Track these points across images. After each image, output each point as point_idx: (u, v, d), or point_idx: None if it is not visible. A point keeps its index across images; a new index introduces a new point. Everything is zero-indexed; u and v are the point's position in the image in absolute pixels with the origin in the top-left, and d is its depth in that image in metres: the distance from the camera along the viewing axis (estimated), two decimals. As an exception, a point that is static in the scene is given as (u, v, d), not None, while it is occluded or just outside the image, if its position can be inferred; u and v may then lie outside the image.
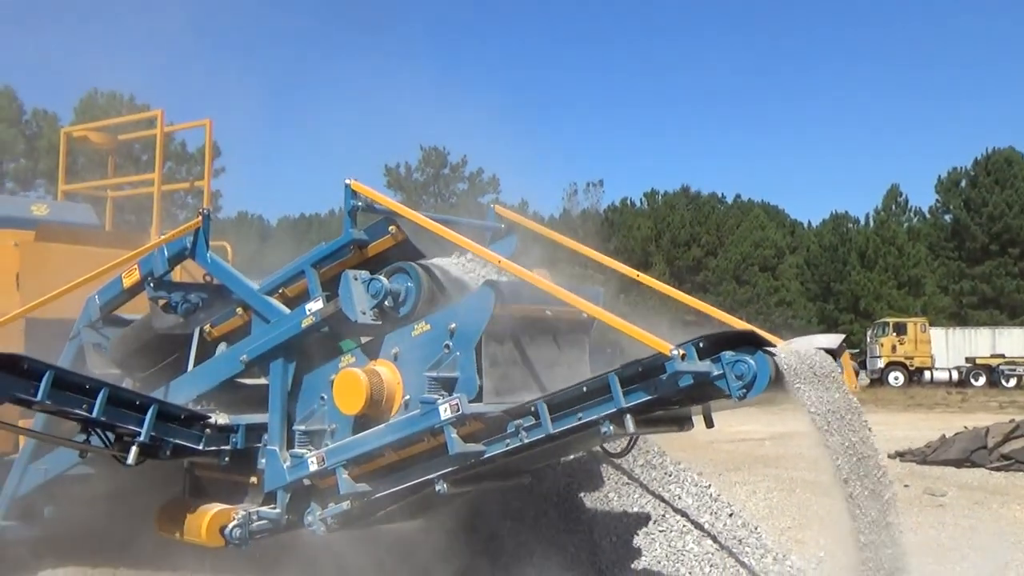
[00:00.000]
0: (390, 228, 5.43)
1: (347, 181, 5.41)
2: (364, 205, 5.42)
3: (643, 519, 6.86)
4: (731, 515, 7.11)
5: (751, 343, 4.30)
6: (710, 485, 7.39)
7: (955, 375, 46.44)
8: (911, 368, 47.04)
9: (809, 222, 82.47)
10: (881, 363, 47.38)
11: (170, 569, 7.33)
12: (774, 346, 4.36)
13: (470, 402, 4.82)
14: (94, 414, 5.07)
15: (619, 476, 7.15)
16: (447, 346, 4.98)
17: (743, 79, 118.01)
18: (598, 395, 4.57)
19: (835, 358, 4.72)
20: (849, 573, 4.29)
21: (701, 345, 4.31)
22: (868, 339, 51.05)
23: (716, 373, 4.25)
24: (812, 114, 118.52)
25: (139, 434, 5.23)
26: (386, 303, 5.20)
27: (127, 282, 6.34)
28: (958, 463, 14.81)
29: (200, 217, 6.03)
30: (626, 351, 4.99)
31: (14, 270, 7.18)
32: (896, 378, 46.54)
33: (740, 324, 5.31)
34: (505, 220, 6.24)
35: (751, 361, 4.19)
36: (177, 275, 6.76)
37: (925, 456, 15.45)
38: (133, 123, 11.08)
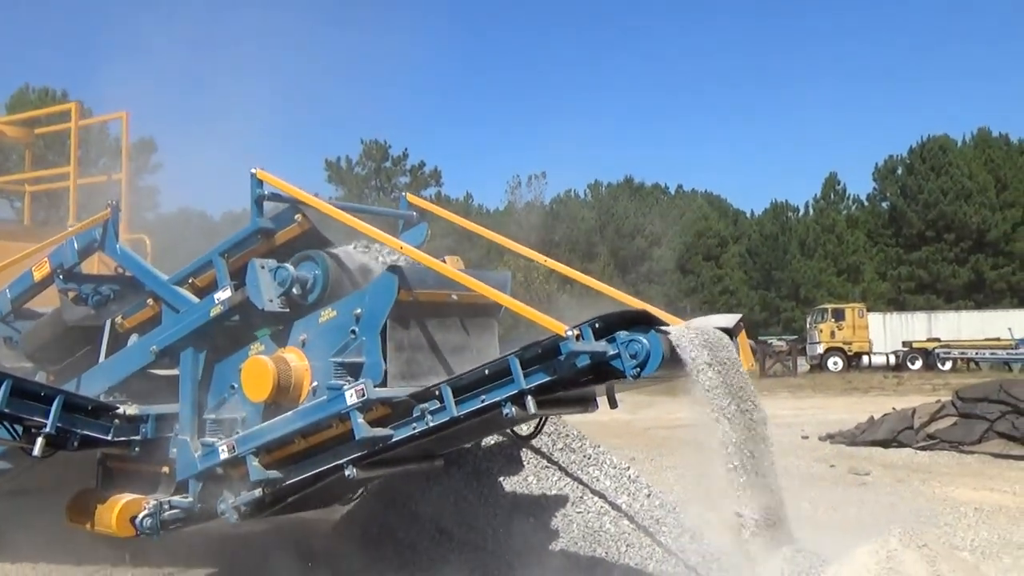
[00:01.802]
0: (296, 217, 5.46)
1: (252, 170, 5.42)
2: (270, 194, 5.44)
3: (561, 501, 6.95)
4: (648, 496, 7.22)
5: (645, 323, 4.39)
6: (628, 467, 7.50)
7: (893, 359, 47.16)
8: (850, 353, 47.71)
9: (752, 211, 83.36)
10: (820, 349, 48.00)
11: (91, 563, 7.31)
12: (667, 325, 4.45)
13: (376, 387, 4.87)
14: None
15: (538, 460, 7.24)
16: (353, 332, 5.02)
17: (684, 68, 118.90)
18: (500, 377, 4.63)
19: (732, 337, 4.83)
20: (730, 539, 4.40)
21: (597, 326, 4.39)
22: (808, 325, 51.73)
23: (611, 353, 4.33)
24: (753, 103, 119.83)
25: (45, 425, 5.20)
26: (293, 291, 5.22)
27: (37, 275, 6.31)
28: (885, 444, 15.12)
29: (108, 209, 6.01)
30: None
31: (-75, 265, 7.08)
32: (835, 363, 47.19)
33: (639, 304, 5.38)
34: (417, 208, 6.28)
35: (644, 340, 4.28)
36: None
37: (854, 438, 15.74)
38: (50, 116, 10.90)
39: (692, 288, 74.10)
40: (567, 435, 7.45)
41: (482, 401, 4.69)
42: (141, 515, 5.56)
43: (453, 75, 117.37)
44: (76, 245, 6.11)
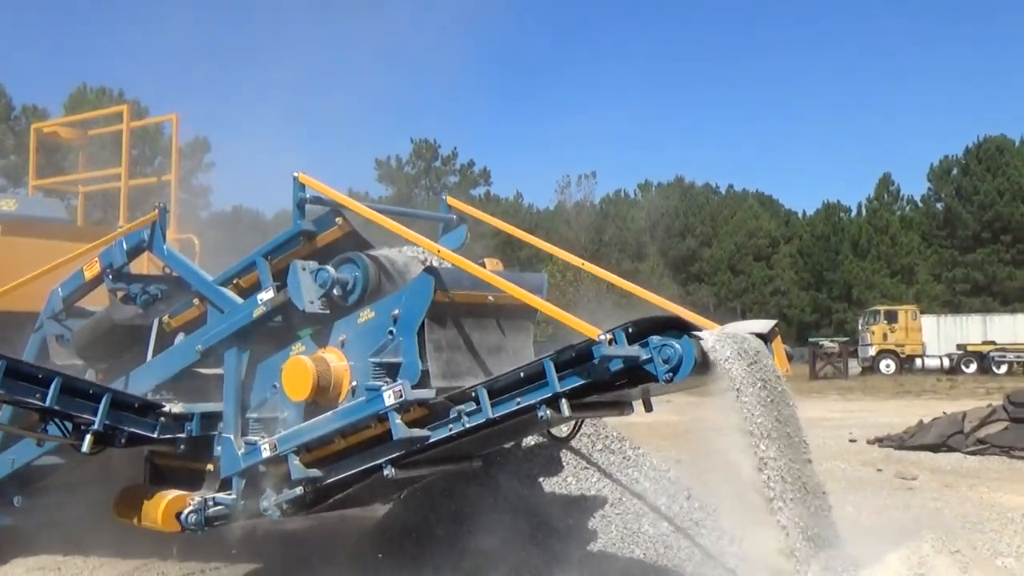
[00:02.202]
0: (337, 220, 5.57)
1: (295, 174, 5.53)
2: (311, 197, 5.54)
3: (600, 502, 6.99)
4: (688, 498, 7.24)
5: (678, 328, 4.42)
6: (669, 469, 7.52)
7: (946, 362, 46.53)
8: (902, 356, 47.17)
9: (804, 211, 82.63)
10: (872, 351, 47.49)
11: (139, 556, 7.47)
12: (700, 331, 4.48)
13: (414, 387, 4.95)
14: (47, 403, 5.19)
15: (578, 461, 7.29)
16: (391, 332, 5.11)
17: (737, 68, 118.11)
18: (535, 380, 4.69)
19: (767, 342, 4.85)
20: (768, 545, 4.41)
21: (630, 330, 4.43)
22: (860, 327, 51.19)
23: (644, 357, 4.37)
24: (805, 103, 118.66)
25: (93, 423, 5.34)
26: (334, 292, 5.32)
27: (88, 274, 6.47)
28: (935, 448, 14.95)
29: (156, 210, 6.15)
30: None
31: (-19, 264, 7.29)
32: (887, 366, 46.67)
33: (678, 310, 5.41)
34: (457, 211, 6.35)
35: (677, 345, 4.31)
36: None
37: (903, 442, 15.59)
38: (103, 118, 11.14)
39: (742, 289, 73.70)
40: (607, 436, 7.49)
41: (517, 403, 4.75)
42: (186, 511, 5.69)
43: (503, 74, 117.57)
44: (125, 246, 6.27)
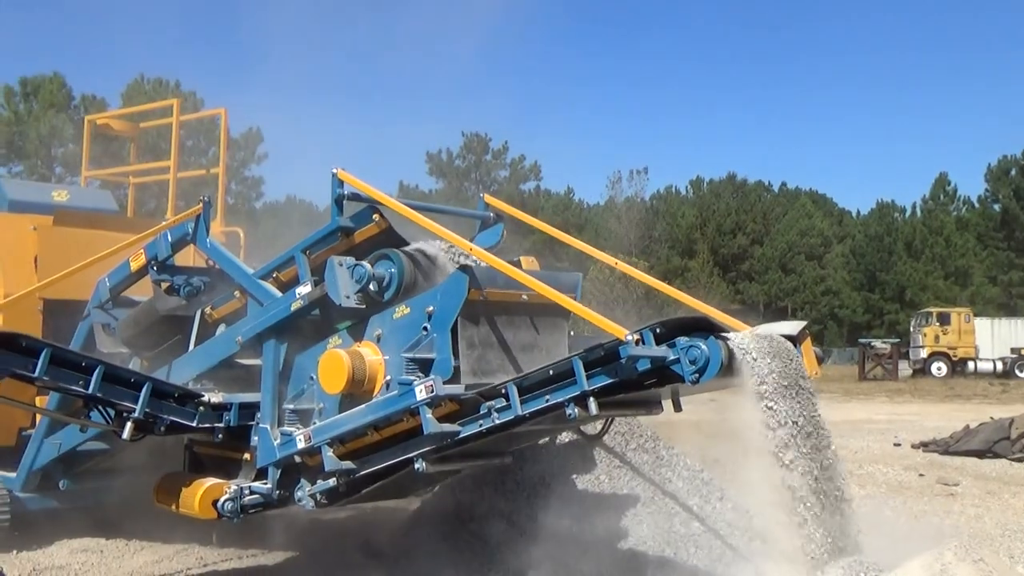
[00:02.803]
0: (374, 216, 5.65)
1: (334, 170, 5.62)
2: (349, 193, 5.63)
3: (632, 500, 7.03)
4: (721, 499, 7.26)
5: (705, 329, 4.45)
6: (703, 470, 7.54)
7: (999, 366, 45.76)
8: (954, 359, 46.45)
9: (857, 211, 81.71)
10: (924, 353, 46.83)
11: (179, 541, 7.64)
12: (727, 332, 4.50)
13: (445, 383, 5.02)
14: (90, 390, 5.33)
15: (611, 459, 7.33)
16: (425, 328, 5.18)
17: (791, 65, 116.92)
18: (564, 378, 4.74)
19: (796, 344, 4.86)
20: (790, 549, 4.42)
21: (658, 330, 4.46)
22: (911, 329, 50.53)
23: (672, 358, 4.40)
24: (860, 101, 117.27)
25: (134, 410, 5.48)
26: (370, 288, 5.40)
27: (134, 265, 6.62)
28: (980, 454, 14.75)
29: (201, 203, 6.29)
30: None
31: (33, 253, 7.49)
32: (939, 368, 46.00)
33: (712, 312, 5.44)
34: (494, 209, 6.41)
35: (703, 346, 4.34)
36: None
37: (948, 447, 15.40)
38: (156, 110, 11.35)
39: (793, 288, 73.11)
40: (641, 435, 7.52)
41: (546, 401, 4.80)
42: (222, 499, 5.81)
43: (556, 68, 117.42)
44: (170, 238, 6.40)
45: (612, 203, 71.96)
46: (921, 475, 12.60)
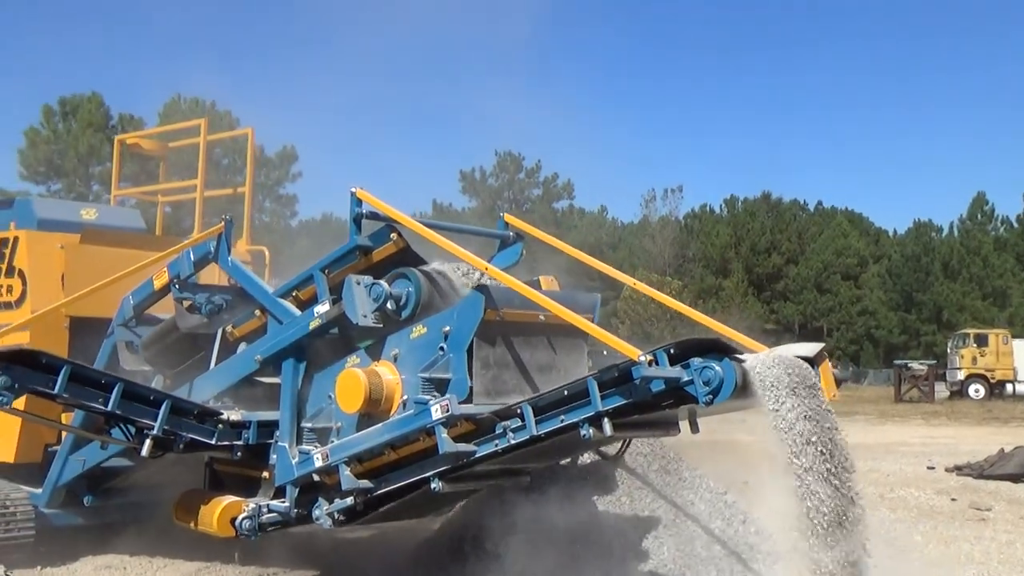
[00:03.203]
0: (391, 235, 5.67)
1: (352, 189, 5.66)
2: (367, 212, 5.66)
3: (653, 522, 6.98)
4: (744, 522, 7.18)
5: (719, 350, 4.41)
6: (726, 492, 7.47)
7: (1039, 388, 45.08)
8: (992, 381, 45.78)
9: (894, 230, 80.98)
10: (961, 375, 46.20)
11: (202, 559, 7.66)
12: (741, 353, 4.47)
13: (461, 403, 5.03)
14: (109, 407, 5.38)
15: (632, 480, 7.28)
16: (441, 348, 5.19)
17: (825, 85, 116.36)
18: (579, 398, 4.73)
19: (814, 366, 4.81)
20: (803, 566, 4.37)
21: (672, 351, 4.44)
22: (948, 350, 49.90)
23: (686, 379, 4.38)
24: (897, 120, 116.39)
25: (153, 427, 5.52)
26: (388, 307, 5.41)
27: (157, 283, 6.68)
28: (1015, 478, 14.48)
29: (223, 222, 6.34)
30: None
31: (60, 271, 7.57)
32: (976, 391, 45.34)
33: (728, 332, 5.41)
34: (514, 229, 6.42)
35: (717, 368, 4.31)
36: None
37: (982, 470, 15.15)
38: (184, 130, 11.47)
39: (829, 308, 72.48)
40: (663, 457, 7.47)
41: (561, 421, 4.80)
42: (241, 517, 5.84)
43: (590, 87, 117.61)
44: (192, 256, 6.46)
45: (646, 222, 71.86)
46: (953, 499, 12.40)
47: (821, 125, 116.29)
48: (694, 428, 5.31)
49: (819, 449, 4.49)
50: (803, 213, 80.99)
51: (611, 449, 6.44)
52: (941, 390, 46.01)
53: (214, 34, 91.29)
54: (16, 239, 7.66)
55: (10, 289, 7.62)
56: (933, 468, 16.02)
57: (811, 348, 4.89)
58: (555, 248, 6.49)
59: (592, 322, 5.57)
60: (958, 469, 15.73)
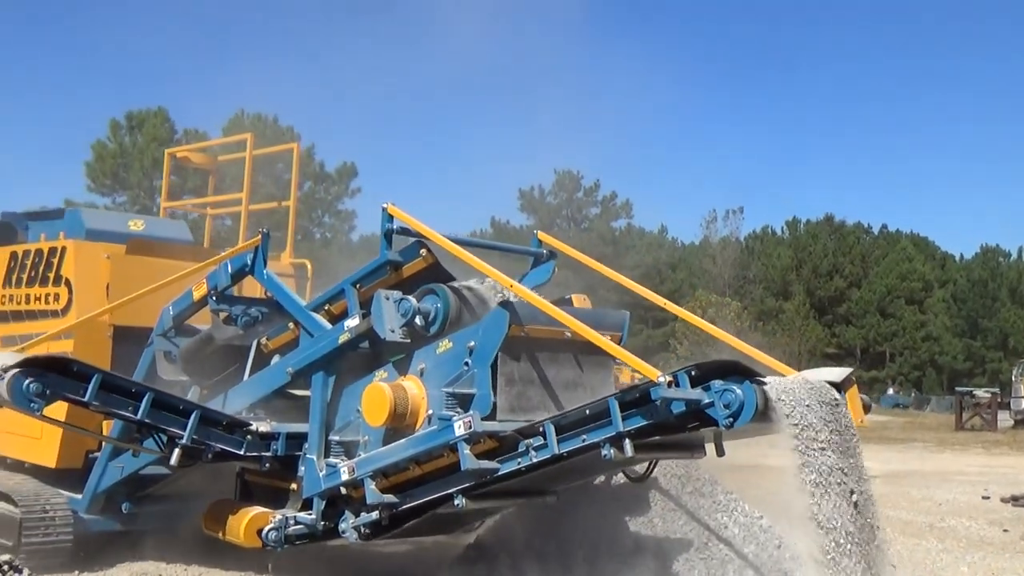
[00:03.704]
0: (421, 251, 5.70)
1: (383, 205, 5.70)
2: (398, 228, 5.70)
3: (685, 545, 6.89)
4: (779, 547, 7.06)
5: (741, 373, 4.36)
6: (762, 516, 7.35)
7: (1108, 420, 43.78)
8: (1059, 411, 44.59)
9: (960, 255, 79.52)
10: (1027, 403, 45.07)
11: (236, 569, 7.71)
12: (763, 376, 4.41)
13: (484, 419, 5.02)
14: (139, 416, 5.46)
15: (666, 502, 7.19)
16: (466, 364, 5.20)
17: (890, 106, 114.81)
18: (600, 418, 4.70)
19: (841, 391, 4.74)
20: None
21: (693, 373, 4.40)
22: (1013, 378, 48.74)
23: (706, 401, 4.33)
24: (965, 143, 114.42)
25: (182, 437, 5.59)
26: (416, 322, 5.43)
27: (196, 294, 6.77)
28: (1076, 510, 14.12)
29: (260, 236, 6.41)
30: None
31: (105, 281, 7.69)
32: (1041, 420, 44.19)
33: (755, 354, 5.34)
34: (547, 247, 6.41)
35: (738, 391, 4.27)
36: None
37: (1039, 501, 14.78)
38: (233, 144, 11.66)
39: (892, 332, 71.33)
40: (698, 479, 7.36)
41: (583, 440, 4.78)
42: (267, 528, 5.89)
43: (650, 106, 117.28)
44: (230, 268, 6.53)
45: (706, 242, 71.40)
46: (1006, 530, 12.09)
47: (887, 148, 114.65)
48: (720, 451, 5.25)
49: (841, 475, 4.41)
50: (867, 236, 79.88)
51: (634, 471, 6.38)
52: (1005, 419, 44.91)
53: (279, 52, 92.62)
54: (64, 249, 7.80)
55: (57, 297, 7.76)
56: (988, 498, 15.65)
57: (839, 373, 4.81)
58: (604, 267, 6.47)
59: (621, 340, 5.55)
60: (1014, 499, 15.34)
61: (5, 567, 4.90)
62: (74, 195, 46.71)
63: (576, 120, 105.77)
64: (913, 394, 64.09)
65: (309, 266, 9.07)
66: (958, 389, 49.86)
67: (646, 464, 6.00)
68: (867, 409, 4.98)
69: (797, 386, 4.49)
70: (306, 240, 47.95)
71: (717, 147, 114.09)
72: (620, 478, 7.20)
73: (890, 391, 64.49)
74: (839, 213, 78.64)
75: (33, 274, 7.98)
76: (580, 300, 6.25)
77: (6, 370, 5.17)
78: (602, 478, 7.09)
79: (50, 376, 5.23)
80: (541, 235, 6.46)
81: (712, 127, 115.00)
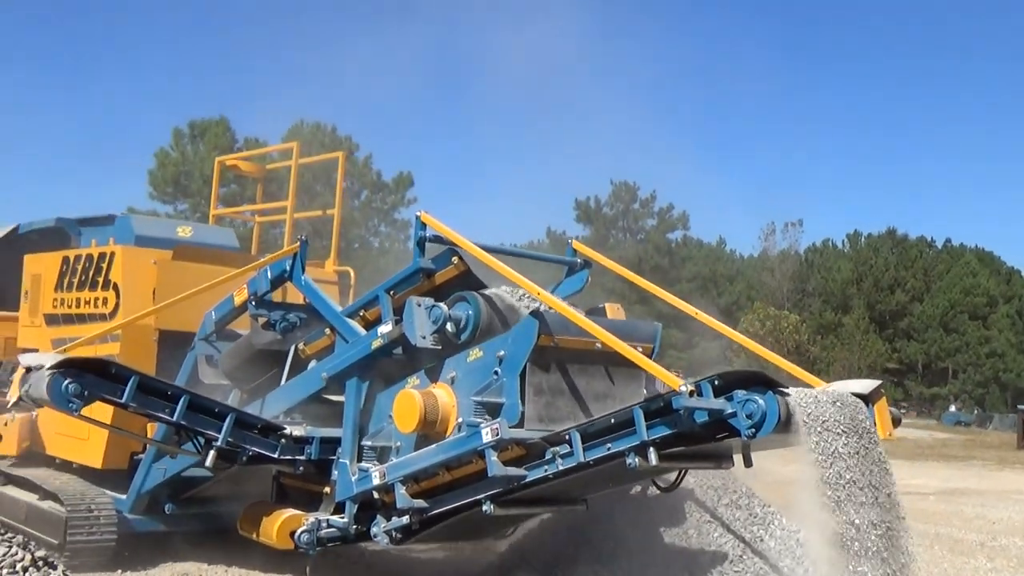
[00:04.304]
0: (452, 259, 5.75)
1: (417, 213, 5.76)
2: (431, 236, 5.75)
3: (719, 558, 6.86)
4: (816, 561, 6.99)
5: (763, 384, 4.34)
6: (799, 530, 7.28)
7: None
8: None
9: (1027, 270, 77.83)
10: (1094, 423, 43.95)
11: (275, 572, 7.81)
12: (786, 387, 4.38)
13: (513, 427, 5.04)
14: (175, 418, 5.57)
15: (701, 514, 7.17)
16: (496, 372, 5.23)
17: (954, 118, 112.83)
18: (625, 427, 4.71)
19: (868, 404, 4.70)
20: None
21: (716, 383, 4.40)
22: (1080, 396, 47.63)
23: (728, 411, 4.32)
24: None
25: (217, 439, 5.69)
26: (447, 329, 5.48)
27: (237, 300, 6.89)
28: None
29: (299, 243, 6.51)
30: None
31: (152, 286, 7.86)
32: (1110, 440, 43.07)
33: (787, 366, 5.31)
34: (582, 256, 6.43)
35: (760, 401, 4.25)
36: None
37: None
38: (279, 153, 11.84)
39: (955, 348, 70.05)
40: (735, 491, 7.34)
41: (608, 449, 4.79)
42: (300, 530, 5.96)
43: (709, 117, 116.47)
44: (269, 275, 6.64)
45: (765, 255, 70.77)
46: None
47: (951, 160, 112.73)
48: (747, 462, 5.23)
49: (861, 489, 4.38)
50: (930, 250, 78.62)
51: (664, 480, 6.36)
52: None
53: (339, 62, 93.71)
54: (113, 254, 7.98)
55: (105, 301, 7.94)
56: (1046, 517, 15.33)
57: (866, 385, 4.78)
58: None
59: (653, 351, 5.55)
60: (1070, 522, 15.00)
61: (40, 562, 5.01)
62: (137, 203, 47.63)
63: (633, 130, 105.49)
64: (976, 411, 62.83)
65: (352, 273, 9.17)
66: (1020, 407, 48.81)
67: (676, 474, 5.99)
68: (896, 423, 4.92)
69: (820, 398, 4.47)
70: (363, 248, 48.33)
71: (777, 159, 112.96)
72: (654, 488, 7.20)
73: (952, 408, 63.30)
74: (901, 226, 77.43)
75: (83, 278, 8.18)
76: (614, 310, 6.25)
77: (33, 369, 5.32)
78: (637, 488, 7.09)
79: (88, 377, 5.36)
80: (576, 244, 6.48)
81: (771, 138, 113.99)
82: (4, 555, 4.83)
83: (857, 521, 4.28)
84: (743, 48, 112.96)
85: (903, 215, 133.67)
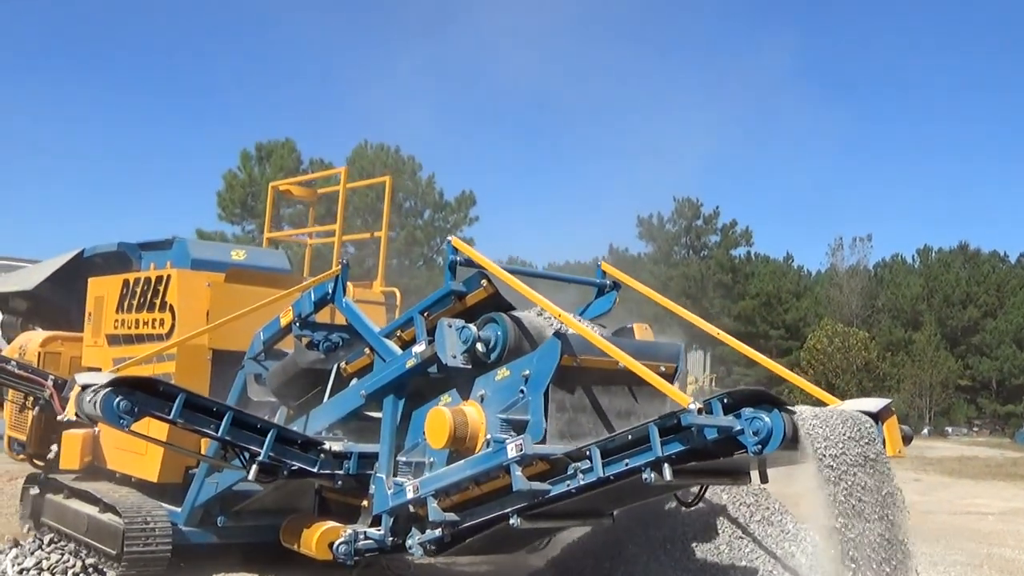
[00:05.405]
0: (482, 282, 5.99)
1: (449, 238, 6.02)
2: (463, 260, 6.00)
3: (750, 573, 6.98)
4: (848, 578, 7.07)
5: (769, 402, 4.50)
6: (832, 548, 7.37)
7: None
8: None
9: (1105, 286, 75.80)
10: None
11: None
12: (791, 406, 4.53)
13: (537, 444, 5.26)
14: (220, 433, 5.88)
15: (734, 530, 7.30)
16: (521, 391, 5.45)
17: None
18: (641, 443, 4.89)
19: (878, 421, 4.83)
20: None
21: (726, 401, 4.57)
22: None
23: (737, 428, 4.49)
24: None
25: (259, 454, 5.98)
26: (477, 349, 5.72)
27: (283, 321, 7.19)
28: None
29: (340, 266, 6.80)
30: None
31: (205, 307, 8.21)
32: None
33: (805, 385, 5.45)
34: (611, 277, 6.63)
35: (767, 419, 4.41)
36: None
37: None
38: (327, 178, 12.18)
39: (1030, 365, 68.49)
40: (767, 508, 7.45)
41: (626, 464, 4.97)
42: (338, 542, 6.23)
43: (775, 132, 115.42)
44: (313, 296, 6.94)
45: (833, 271, 70.02)
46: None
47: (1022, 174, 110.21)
48: (763, 479, 5.37)
49: (875, 504, 4.50)
50: (1003, 265, 77.09)
51: (686, 495, 6.52)
52: None
53: (402, 84, 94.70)
54: (169, 277, 8.35)
55: (162, 322, 8.31)
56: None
57: (876, 403, 4.90)
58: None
59: (676, 370, 5.73)
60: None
61: (91, 569, 5.32)
62: (205, 224, 48.70)
63: (696, 146, 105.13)
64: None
65: (398, 294, 9.46)
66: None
67: (697, 489, 6.14)
68: (908, 440, 5.03)
69: (827, 416, 4.60)
70: (428, 266, 48.78)
71: (845, 172, 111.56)
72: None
73: (1026, 427, 61.91)
74: (973, 241, 76.01)
75: (142, 300, 8.56)
76: (642, 330, 6.44)
77: (87, 387, 5.65)
78: (671, 504, 7.24)
79: (138, 395, 5.67)
80: (604, 265, 6.67)
81: (839, 152, 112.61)
82: (57, 562, 5.14)
83: (860, 539, 4.39)
84: (808, 62, 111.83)
85: (975, 229, 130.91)
